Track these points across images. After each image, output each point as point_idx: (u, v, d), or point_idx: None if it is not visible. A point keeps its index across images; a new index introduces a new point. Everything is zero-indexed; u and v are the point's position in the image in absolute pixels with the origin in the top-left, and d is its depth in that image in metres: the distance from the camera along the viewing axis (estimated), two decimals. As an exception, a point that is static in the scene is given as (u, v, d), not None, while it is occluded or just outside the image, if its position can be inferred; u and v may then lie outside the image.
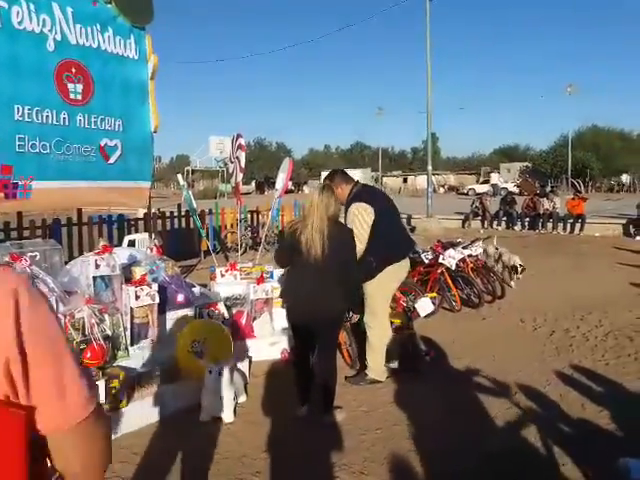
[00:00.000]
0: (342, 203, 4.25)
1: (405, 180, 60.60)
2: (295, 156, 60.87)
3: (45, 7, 4.95)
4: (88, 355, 3.39)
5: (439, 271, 6.68)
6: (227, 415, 3.71)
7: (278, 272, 5.42)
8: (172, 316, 4.38)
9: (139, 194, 6.29)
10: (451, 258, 6.64)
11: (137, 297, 3.95)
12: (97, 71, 5.46)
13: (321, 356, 3.74)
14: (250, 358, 4.66)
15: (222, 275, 5.68)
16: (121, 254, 4.46)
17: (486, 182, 44.90)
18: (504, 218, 16.59)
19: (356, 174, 43.42)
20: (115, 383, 3.43)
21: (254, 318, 4.97)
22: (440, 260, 6.65)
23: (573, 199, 15.32)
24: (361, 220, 4.02)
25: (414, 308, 5.47)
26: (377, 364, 4.32)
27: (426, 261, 6.86)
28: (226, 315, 4.86)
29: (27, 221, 8.15)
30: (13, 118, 4.73)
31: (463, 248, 6.90)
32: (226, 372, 3.70)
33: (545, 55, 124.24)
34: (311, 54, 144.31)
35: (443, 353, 5.06)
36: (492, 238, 8.71)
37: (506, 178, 46.11)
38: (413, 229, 16.08)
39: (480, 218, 16.94)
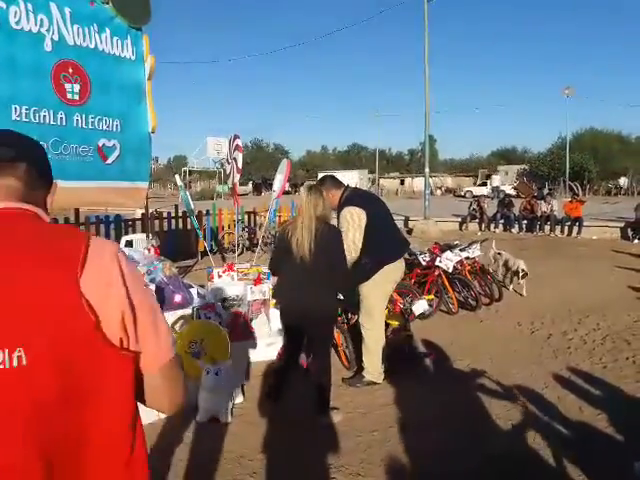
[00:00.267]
0: (333, 208, 4.25)
1: (402, 182, 60.61)
2: (292, 157, 60.82)
3: (43, 7, 4.93)
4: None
5: (436, 273, 6.68)
6: (224, 416, 3.70)
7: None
8: (169, 317, 4.36)
9: (137, 194, 6.28)
10: (448, 260, 6.64)
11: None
12: (94, 71, 5.44)
13: (315, 357, 3.75)
14: (247, 359, 4.65)
15: (219, 276, 5.67)
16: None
17: (484, 184, 44.93)
18: (501, 220, 16.61)
19: (353, 175, 43.20)
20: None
21: (251, 319, 4.96)
22: (437, 262, 6.65)
23: (571, 202, 15.35)
24: (354, 224, 4.01)
25: (411, 310, 5.47)
26: (374, 365, 4.31)
27: (423, 263, 6.86)
28: (223, 316, 4.84)
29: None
30: (10, 118, 4.71)
31: (460, 250, 6.89)
32: (223, 373, 3.69)
33: (543, 57, 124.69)
34: (309, 55, 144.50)
35: (441, 355, 5.05)
36: (490, 242, 8.66)
37: (503, 180, 46.21)
38: (410, 231, 16.09)
39: (478, 220, 16.96)
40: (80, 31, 5.29)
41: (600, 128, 52.78)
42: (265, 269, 5.74)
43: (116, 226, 10.21)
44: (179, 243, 11.18)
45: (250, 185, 55.72)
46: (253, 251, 10.90)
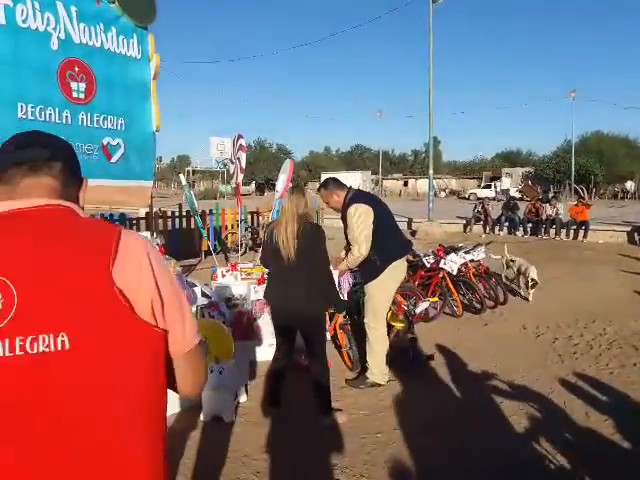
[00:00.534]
0: (337, 209, 4.27)
1: (406, 183, 60.51)
2: (295, 158, 60.82)
3: (49, 6, 4.93)
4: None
5: (440, 275, 6.65)
6: (228, 415, 3.68)
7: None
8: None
9: (141, 193, 6.27)
10: (453, 263, 6.61)
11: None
12: (100, 70, 5.44)
13: (311, 358, 3.76)
14: (251, 358, 4.63)
15: (223, 275, 5.66)
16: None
17: (488, 187, 44.76)
18: (506, 223, 16.55)
19: (356, 177, 43.13)
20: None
21: (255, 319, 4.95)
22: (441, 265, 6.62)
23: (576, 205, 15.26)
24: (362, 220, 4.05)
25: (415, 312, 5.45)
26: (378, 366, 4.29)
27: (427, 265, 6.82)
28: (227, 315, 4.83)
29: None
30: (16, 116, 4.71)
31: (465, 253, 6.86)
32: (227, 372, 3.68)
33: (549, 59, 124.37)
34: (312, 56, 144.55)
35: (445, 358, 5.02)
36: (502, 248, 8.32)
37: (512, 183, 45.93)
38: (414, 233, 16.05)
39: (482, 223, 16.91)
40: (86, 30, 5.28)
41: (606, 132, 52.61)
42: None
43: (120, 224, 10.22)
44: (183, 242, 11.18)
45: (253, 185, 55.70)
46: (256, 251, 10.90)
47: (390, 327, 4.67)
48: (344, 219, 4.26)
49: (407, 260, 4.70)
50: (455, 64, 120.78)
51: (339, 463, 3.18)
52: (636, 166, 44.94)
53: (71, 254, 1.01)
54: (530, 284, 7.22)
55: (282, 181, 9.28)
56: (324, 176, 44.14)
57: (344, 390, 4.30)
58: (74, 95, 5.21)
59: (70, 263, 1.00)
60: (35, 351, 0.95)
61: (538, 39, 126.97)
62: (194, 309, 4.55)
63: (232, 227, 12.60)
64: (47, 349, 0.96)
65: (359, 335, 5.05)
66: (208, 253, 10.34)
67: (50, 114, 4.98)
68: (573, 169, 40.19)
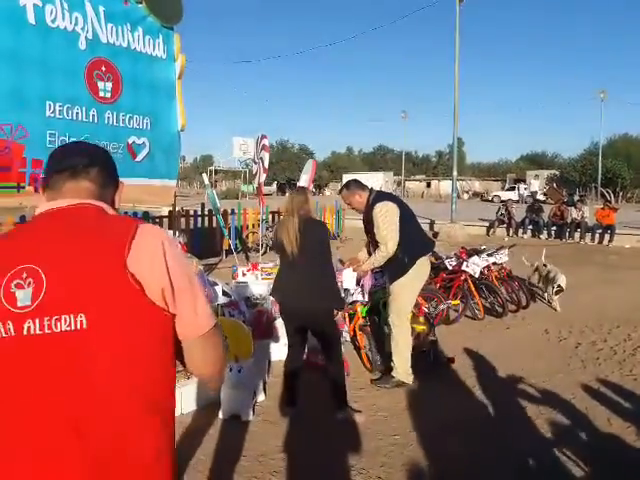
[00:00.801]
0: (360, 210, 4.29)
1: (428, 185, 60.08)
2: (317, 158, 60.67)
3: (78, 6, 5.02)
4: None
5: (462, 278, 6.58)
6: (246, 413, 3.70)
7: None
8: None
9: (165, 192, 6.34)
10: (475, 265, 6.53)
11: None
12: (126, 70, 5.52)
13: (326, 357, 3.82)
14: (269, 358, 4.65)
15: (243, 274, 5.70)
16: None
17: (511, 189, 44.17)
18: (530, 226, 16.31)
19: (378, 178, 43.05)
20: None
21: (274, 318, 4.97)
22: (464, 267, 6.55)
23: (603, 209, 14.96)
24: (389, 218, 4.10)
25: (436, 315, 5.41)
26: (403, 365, 4.28)
27: (449, 267, 6.75)
28: (247, 314, 4.86)
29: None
30: (45, 114, 4.81)
31: (488, 255, 6.78)
32: (246, 370, 3.71)
33: (576, 59, 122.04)
34: (336, 56, 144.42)
35: (465, 361, 4.97)
36: (541, 252, 8.08)
37: (541, 186, 45.20)
38: (436, 234, 15.93)
39: (505, 225, 16.69)
40: (113, 30, 5.36)
41: (635, 134, 51.49)
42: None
43: (141, 220, 10.34)
44: (204, 241, 11.28)
45: (274, 185, 55.93)
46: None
47: (411, 329, 4.64)
48: (367, 219, 4.27)
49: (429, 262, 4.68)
50: (481, 64, 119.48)
51: (356, 464, 3.17)
52: (665, 170, 43.82)
53: (93, 245, 1.15)
54: (555, 289, 7.03)
55: (304, 181, 9.31)
56: (346, 177, 44.15)
57: (362, 391, 4.29)
58: (101, 94, 5.30)
59: (92, 253, 1.14)
60: (58, 330, 1.09)
61: (566, 38, 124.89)
62: (215, 307, 4.59)
63: (253, 227, 12.67)
64: (68, 328, 1.10)
65: (379, 336, 5.04)
66: (229, 252, 10.42)
67: (77, 113, 5.07)
68: (600, 172, 39.42)
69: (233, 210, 12.25)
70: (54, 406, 1.10)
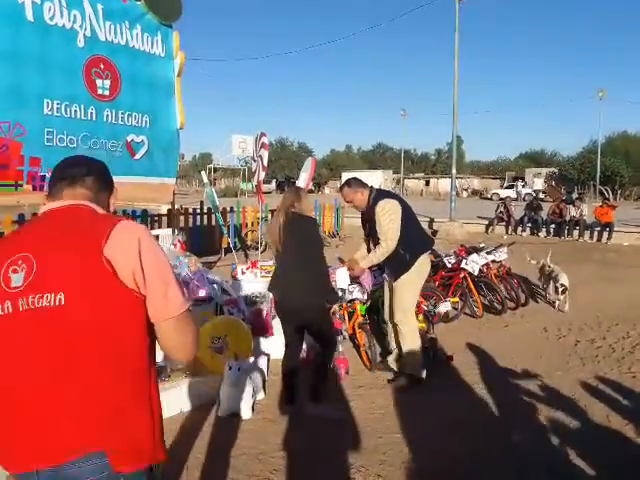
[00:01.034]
0: (361, 207, 4.29)
1: (427, 183, 60.01)
2: (316, 156, 60.63)
3: (76, 3, 5.00)
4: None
5: (462, 276, 6.59)
6: (245, 412, 3.71)
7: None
8: (193, 312, 4.39)
9: (164, 190, 6.33)
10: (474, 263, 6.54)
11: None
12: (125, 68, 5.50)
13: (320, 350, 3.86)
14: (268, 356, 4.65)
15: (243, 273, 5.70)
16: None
17: (510, 187, 44.16)
18: (529, 224, 16.32)
19: (377, 176, 42.92)
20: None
21: (273, 316, 4.97)
22: (463, 265, 6.56)
23: (601, 207, 14.97)
24: (392, 215, 4.12)
25: (435, 313, 5.41)
26: (416, 360, 4.29)
27: (449, 265, 6.76)
28: (246, 312, 4.87)
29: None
30: (42, 112, 4.79)
31: (487, 253, 6.78)
32: (245, 369, 3.71)
33: (575, 57, 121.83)
34: (336, 54, 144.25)
35: (465, 359, 4.98)
36: (547, 252, 7.88)
37: (531, 183, 45.29)
38: (435, 232, 15.93)
39: (504, 223, 16.70)
40: (112, 27, 5.35)
41: (633, 132, 51.49)
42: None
43: (142, 221, 10.33)
44: (203, 239, 11.27)
45: (273, 183, 55.80)
46: (276, 249, 10.92)
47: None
48: (368, 217, 4.28)
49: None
50: (480, 62, 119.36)
51: (355, 462, 3.17)
52: (664, 168, 43.81)
53: (79, 237, 1.37)
54: (560, 289, 6.92)
55: (304, 179, 9.30)
56: (345, 175, 44.04)
57: (361, 389, 4.29)
58: (99, 92, 5.28)
59: (76, 243, 1.35)
60: (40, 305, 1.31)
61: (566, 36, 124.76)
62: (214, 306, 4.60)
63: (252, 225, 12.66)
64: (48, 304, 1.31)
65: (378, 334, 5.04)
66: (228, 250, 10.42)
67: (75, 110, 5.05)
68: (599, 170, 39.43)
69: (232, 208, 12.24)
70: (38, 365, 1.32)
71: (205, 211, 11.96)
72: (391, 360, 4.59)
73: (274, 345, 4.80)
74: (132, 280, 1.34)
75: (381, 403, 4.02)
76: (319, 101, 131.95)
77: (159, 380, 3.68)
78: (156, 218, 10.75)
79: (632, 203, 35.23)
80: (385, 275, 4.58)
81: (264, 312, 5.05)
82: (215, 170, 51.52)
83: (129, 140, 5.65)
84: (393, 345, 4.56)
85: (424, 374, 4.33)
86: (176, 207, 8.45)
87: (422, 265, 4.28)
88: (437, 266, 6.85)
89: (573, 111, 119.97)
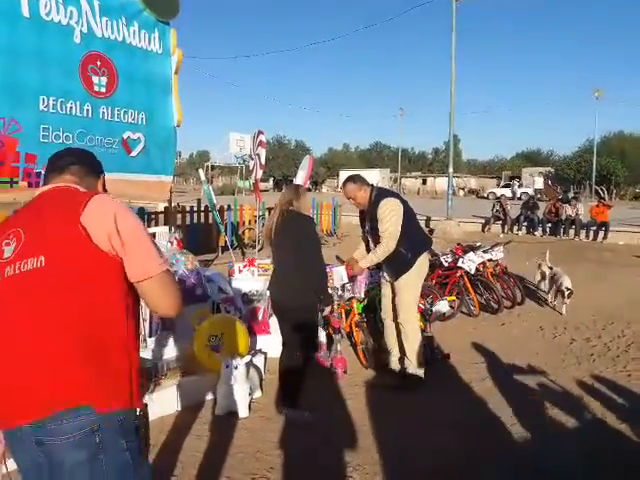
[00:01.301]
0: (363, 205, 4.27)
1: (424, 181, 60.07)
2: (314, 155, 60.60)
3: (73, -1, 4.98)
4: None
5: (458, 274, 6.60)
6: (242, 410, 3.70)
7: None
8: (190, 310, 4.38)
9: (161, 188, 6.30)
10: (471, 262, 6.55)
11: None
12: (121, 64, 5.47)
13: (284, 346, 3.79)
14: (265, 354, 4.65)
15: (240, 271, 5.68)
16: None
17: (507, 186, 44.24)
18: (525, 223, 16.36)
19: (375, 174, 42.86)
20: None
21: (270, 314, 4.96)
22: (459, 264, 6.57)
23: (597, 206, 15.03)
24: (394, 213, 4.11)
25: (432, 311, 5.41)
26: (418, 359, 4.27)
27: (445, 264, 6.77)
28: (243, 310, 4.86)
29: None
30: (38, 108, 4.76)
31: (483, 252, 6.79)
32: (242, 367, 3.70)
33: (571, 57, 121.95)
34: (332, 53, 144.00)
35: (461, 357, 4.99)
36: (545, 253, 7.87)
37: (527, 183, 45.38)
38: (432, 231, 15.94)
39: (500, 222, 16.73)
40: (108, 24, 5.32)
41: (629, 132, 51.64)
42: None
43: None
44: (200, 237, 11.25)
45: (271, 181, 55.73)
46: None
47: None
48: (369, 215, 4.26)
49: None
50: (477, 62, 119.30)
51: (352, 461, 3.17)
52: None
53: (61, 210, 1.56)
54: (566, 293, 6.66)
55: (301, 177, 9.29)
56: (342, 173, 43.96)
57: (357, 388, 4.29)
58: (95, 89, 5.25)
59: (58, 215, 1.55)
60: (25, 269, 1.50)
61: (562, 36, 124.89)
62: (211, 304, 4.59)
63: (249, 223, 12.64)
64: (31, 266, 1.50)
65: (375, 333, 5.04)
66: (225, 249, 10.40)
67: (71, 107, 5.02)
68: (594, 169, 39.55)
69: (229, 206, 12.21)
70: (22, 324, 1.48)
71: (202, 209, 11.93)
72: (393, 363, 4.56)
73: (271, 343, 4.80)
74: (108, 243, 1.50)
75: (378, 401, 4.02)
76: (317, 99, 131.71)
77: (155, 378, 3.69)
78: (153, 216, 10.71)
79: (627, 203, 35.36)
80: (383, 274, 4.56)
81: (261, 310, 5.04)
82: (212, 168, 51.39)
83: (125, 137, 5.62)
84: (390, 345, 4.55)
85: (422, 372, 4.33)
86: (173, 205, 8.43)
87: (422, 264, 4.28)
88: (434, 265, 6.85)
89: (569, 111, 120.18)
